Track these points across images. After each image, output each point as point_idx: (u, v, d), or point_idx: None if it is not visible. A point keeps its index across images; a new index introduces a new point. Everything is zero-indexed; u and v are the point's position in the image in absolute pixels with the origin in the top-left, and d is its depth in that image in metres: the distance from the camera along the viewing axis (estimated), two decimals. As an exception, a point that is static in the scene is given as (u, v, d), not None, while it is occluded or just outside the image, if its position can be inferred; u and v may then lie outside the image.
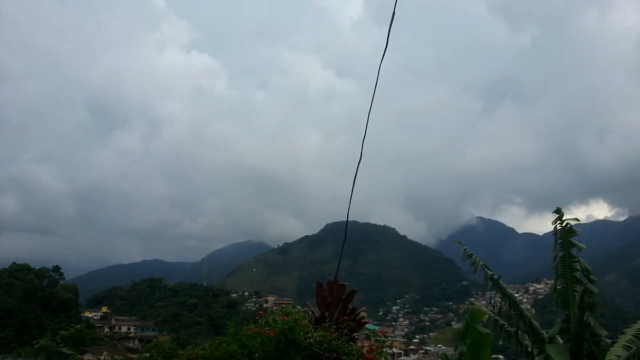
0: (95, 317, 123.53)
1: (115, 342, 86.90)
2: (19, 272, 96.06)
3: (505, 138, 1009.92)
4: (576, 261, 10.57)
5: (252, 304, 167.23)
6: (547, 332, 11.00)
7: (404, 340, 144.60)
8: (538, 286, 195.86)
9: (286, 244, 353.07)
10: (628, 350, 9.35)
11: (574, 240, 10.53)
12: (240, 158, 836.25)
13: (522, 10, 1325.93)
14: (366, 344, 10.51)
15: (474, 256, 11.57)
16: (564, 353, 9.97)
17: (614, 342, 9.86)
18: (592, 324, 10.02)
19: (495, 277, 11.14)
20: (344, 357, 8.51)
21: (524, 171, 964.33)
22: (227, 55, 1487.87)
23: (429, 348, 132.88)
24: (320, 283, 10.45)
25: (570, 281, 10.68)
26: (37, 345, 35.71)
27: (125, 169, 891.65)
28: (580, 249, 10.47)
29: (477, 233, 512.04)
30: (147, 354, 15.15)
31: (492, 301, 11.87)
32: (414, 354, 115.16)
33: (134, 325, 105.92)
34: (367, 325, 11.43)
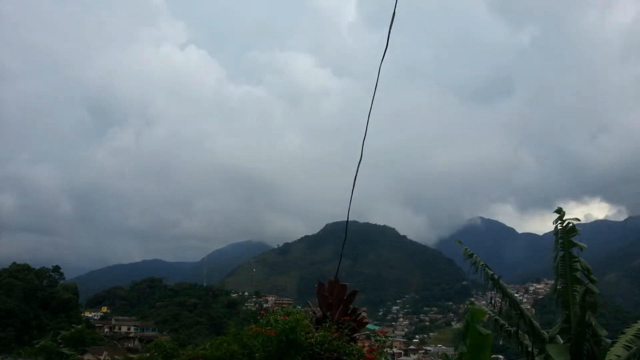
0: (95, 317, 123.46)
1: (115, 342, 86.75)
2: (19, 272, 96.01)
3: (506, 138, 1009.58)
4: (577, 261, 10.57)
5: (252, 304, 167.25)
6: (547, 332, 11.01)
7: (404, 340, 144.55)
8: (538, 286, 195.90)
9: (286, 244, 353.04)
10: (628, 350, 9.36)
11: (574, 240, 10.53)
12: (240, 158, 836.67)
13: (522, 10, 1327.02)
14: (366, 344, 10.54)
15: (474, 256, 11.58)
16: (564, 353, 9.98)
17: (614, 342, 9.86)
18: (593, 324, 10.03)
19: (496, 277, 11.15)
20: (344, 357, 8.51)
21: (523, 171, 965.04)
22: (225, 55, 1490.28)
23: (429, 348, 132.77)
24: (321, 283, 10.45)
25: (570, 281, 10.68)
26: (37, 346, 35.79)
27: (124, 168, 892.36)
28: (581, 249, 10.45)
29: (478, 233, 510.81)
30: (148, 354, 15.18)
31: (493, 301, 11.89)
32: (414, 354, 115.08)
33: (134, 325, 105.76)
34: (368, 326, 11.43)
